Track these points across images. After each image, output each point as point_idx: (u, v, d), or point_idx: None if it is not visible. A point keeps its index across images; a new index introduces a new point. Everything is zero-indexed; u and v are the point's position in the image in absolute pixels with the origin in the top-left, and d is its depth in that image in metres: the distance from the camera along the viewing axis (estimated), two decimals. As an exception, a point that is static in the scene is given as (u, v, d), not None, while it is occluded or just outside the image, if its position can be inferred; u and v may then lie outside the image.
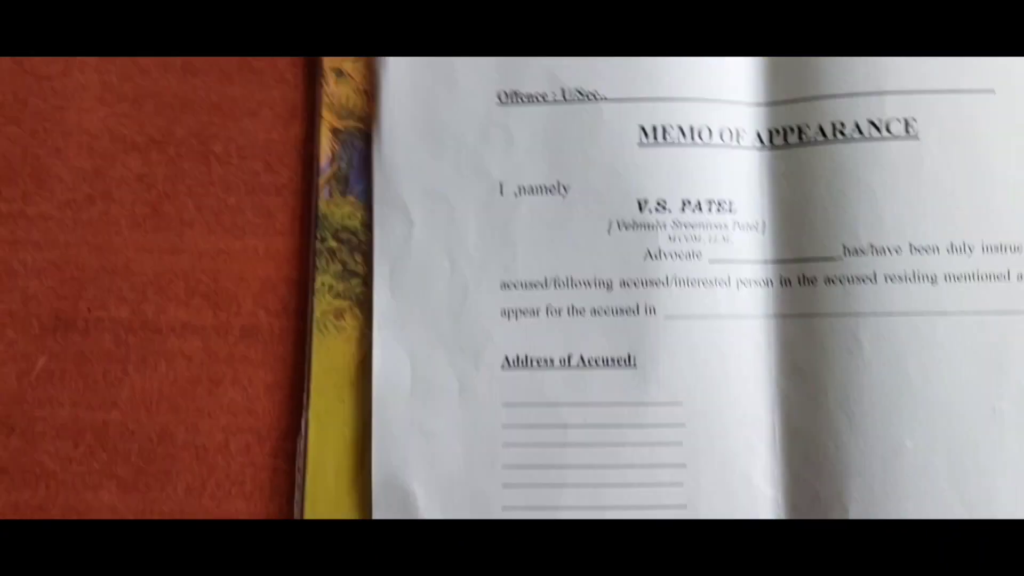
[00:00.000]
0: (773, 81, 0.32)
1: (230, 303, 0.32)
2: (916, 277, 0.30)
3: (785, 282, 0.31)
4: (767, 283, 0.31)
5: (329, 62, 0.31)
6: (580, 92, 0.32)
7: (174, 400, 0.31)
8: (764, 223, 0.31)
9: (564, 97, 0.32)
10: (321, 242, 0.31)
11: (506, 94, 0.32)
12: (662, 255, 0.31)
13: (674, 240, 0.31)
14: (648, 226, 0.31)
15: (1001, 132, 0.31)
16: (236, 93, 0.32)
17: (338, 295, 0.31)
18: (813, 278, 0.31)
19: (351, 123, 0.32)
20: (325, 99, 0.32)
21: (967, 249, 0.30)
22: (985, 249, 0.30)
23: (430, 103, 0.32)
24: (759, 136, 0.32)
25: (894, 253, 0.30)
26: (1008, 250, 0.30)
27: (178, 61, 0.32)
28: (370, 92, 0.32)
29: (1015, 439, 0.29)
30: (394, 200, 0.31)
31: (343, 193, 0.32)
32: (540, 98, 0.32)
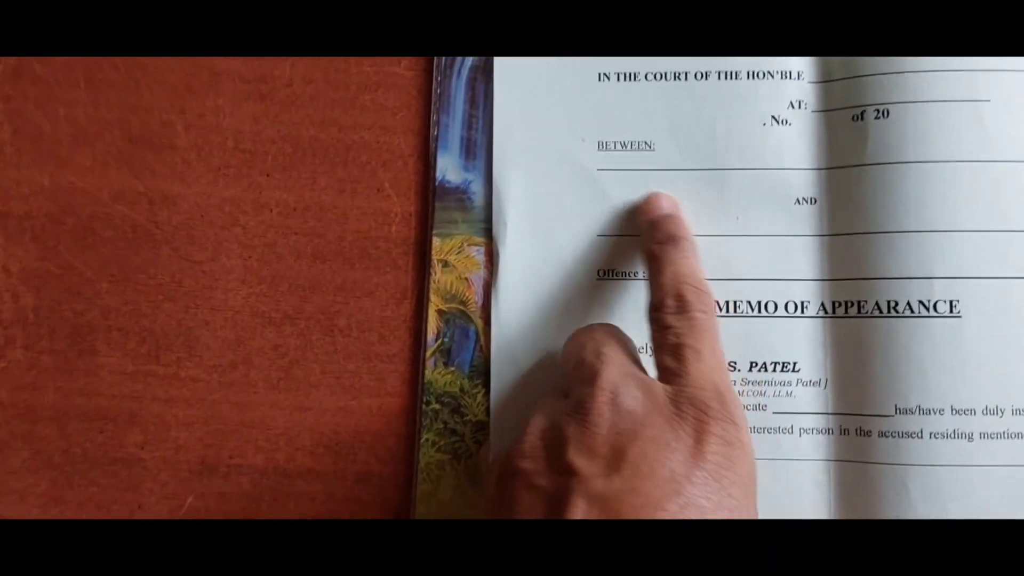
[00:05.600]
0: (837, 261, 0.37)
1: (348, 453, 0.38)
2: (956, 435, 0.35)
3: (844, 432, 0.36)
4: (828, 432, 0.36)
5: (436, 254, 0.38)
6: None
7: (300, 535, 0.37)
8: (826, 380, 0.37)
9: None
10: (426, 404, 0.38)
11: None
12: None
13: (742, 395, 0.36)
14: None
15: (1032, 314, 0.36)
16: (356, 277, 0.38)
17: (440, 449, 0.38)
18: (869, 431, 0.36)
19: (454, 306, 0.38)
20: (433, 285, 0.38)
21: (999, 412, 0.35)
22: (1014, 412, 0.35)
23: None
24: (823, 306, 0.37)
25: (938, 414, 0.35)
26: None
27: (308, 249, 0.38)
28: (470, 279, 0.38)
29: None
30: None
31: (446, 364, 0.38)
32: (632, 274, 0.38)
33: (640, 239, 0.37)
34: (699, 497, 0.29)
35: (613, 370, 0.31)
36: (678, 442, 0.30)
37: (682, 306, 0.33)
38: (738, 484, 0.30)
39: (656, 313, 0.33)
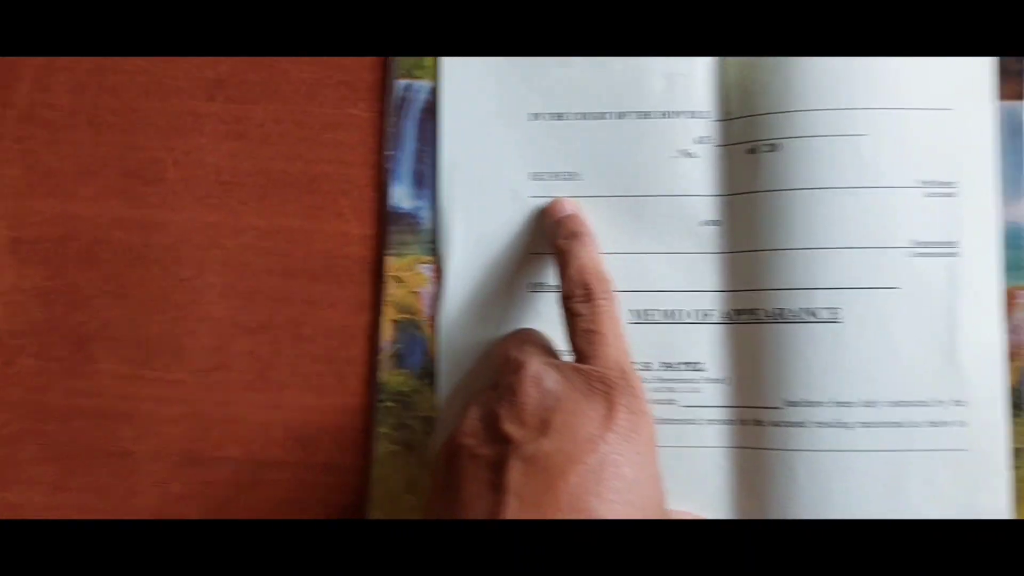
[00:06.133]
0: (736, 275, 0.42)
1: (314, 445, 0.43)
2: (837, 424, 0.40)
3: (742, 422, 0.41)
4: (728, 422, 0.41)
5: (390, 271, 0.44)
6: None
7: (272, 516, 0.43)
8: (728, 378, 0.42)
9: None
10: (381, 402, 0.43)
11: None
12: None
13: (656, 391, 0.42)
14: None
15: (904, 320, 0.40)
16: (321, 291, 0.44)
17: (393, 441, 0.43)
18: (761, 421, 0.41)
19: (406, 316, 0.44)
20: (387, 298, 0.44)
21: (874, 404, 0.40)
22: (887, 404, 0.40)
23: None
24: (724, 314, 0.42)
25: (821, 406, 0.40)
26: (904, 405, 0.40)
27: (279, 267, 0.44)
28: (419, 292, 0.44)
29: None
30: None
31: (398, 367, 0.43)
32: (558, 287, 0.41)
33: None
34: (612, 453, 0.34)
35: (535, 360, 0.37)
36: (593, 412, 0.35)
37: (588, 295, 0.38)
38: (643, 443, 0.35)
39: (567, 302, 0.39)
